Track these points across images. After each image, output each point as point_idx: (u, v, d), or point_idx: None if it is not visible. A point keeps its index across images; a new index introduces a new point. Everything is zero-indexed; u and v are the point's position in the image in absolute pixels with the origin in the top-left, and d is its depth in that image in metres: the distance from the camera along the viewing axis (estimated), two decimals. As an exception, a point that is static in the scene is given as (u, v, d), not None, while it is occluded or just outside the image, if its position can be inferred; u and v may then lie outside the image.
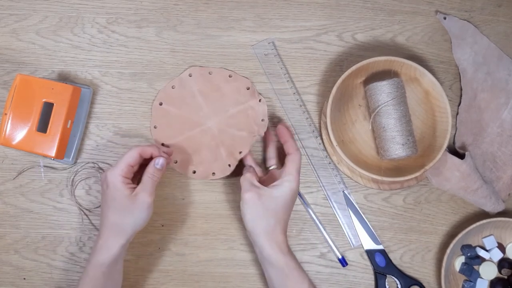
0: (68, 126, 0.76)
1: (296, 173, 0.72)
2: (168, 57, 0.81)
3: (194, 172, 0.77)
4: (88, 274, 0.68)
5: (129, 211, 0.68)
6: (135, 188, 0.69)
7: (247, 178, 0.72)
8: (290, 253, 0.71)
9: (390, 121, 0.74)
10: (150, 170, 0.70)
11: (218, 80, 0.80)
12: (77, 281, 0.78)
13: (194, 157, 0.78)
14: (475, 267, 0.78)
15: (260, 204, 0.69)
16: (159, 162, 0.71)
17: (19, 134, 0.74)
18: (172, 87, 0.80)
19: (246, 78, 0.80)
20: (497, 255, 0.78)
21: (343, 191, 0.80)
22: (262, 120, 0.78)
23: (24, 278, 0.78)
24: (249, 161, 0.77)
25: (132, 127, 0.80)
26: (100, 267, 0.68)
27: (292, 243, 0.79)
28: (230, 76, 0.80)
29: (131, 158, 0.69)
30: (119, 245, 0.68)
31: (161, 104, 0.80)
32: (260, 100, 0.79)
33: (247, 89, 0.79)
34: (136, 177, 0.72)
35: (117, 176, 0.68)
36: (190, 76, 0.80)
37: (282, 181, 0.71)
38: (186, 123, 0.79)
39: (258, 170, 0.77)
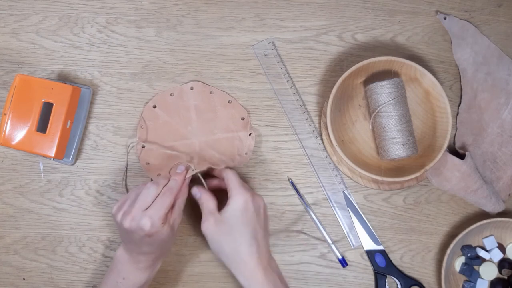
0: (68, 126, 0.76)
1: (238, 189, 0.69)
2: (168, 57, 0.81)
3: (159, 174, 0.78)
4: None
5: (172, 239, 0.70)
6: (168, 216, 0.68)
7: (204, 206, 0.70)
8: (273, 275, 0.67)
9: (390, 121, 0.74)
10: (185, 192, 0.71)
11: (216, 102, 0.80)
12: (76, 282, 0.78)
13: (167, 163, 0.78)
14: (475, 267, 0.78)
15: (217, 232, 0.67)
16: (199, 175, 0.73)
17: (19, 134, 0.73)
18: (171, 94, 0.80)
19: (245, 108, 0.80)
20: (497, 255, 0.78)
21: (343, 191, 0.80)
22: (246, 153, 0.78)
23: (24, 279, 0.78)
24: (197, 189, 0.73)
25: (131, 127, 0.80)
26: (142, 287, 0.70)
27: (292, 243, 0.79)
28: (229, 102, 0.80)
29: (168, 206, 0.67)
30: (161, 263, 0.72)
31: (154, 107, 0.80)
32: (250, 134, 0.79)
33: (242, 119, 0.79)
34: None
35: (158, 225, 0.65)
36: (191, 90, 0.80)
37: (229, 202, 0.68)
38: (172, 132, 0.79)
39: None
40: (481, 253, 0.78)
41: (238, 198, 0.68)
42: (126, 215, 0.66)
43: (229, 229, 0.67)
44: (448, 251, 0.75)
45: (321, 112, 0.81)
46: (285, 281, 0.70)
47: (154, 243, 0.67)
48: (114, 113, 0.81)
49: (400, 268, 0.79)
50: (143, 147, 0.79)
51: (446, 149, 0.74)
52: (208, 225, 0.68)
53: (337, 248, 0.79)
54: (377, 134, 0.77)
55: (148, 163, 0.78)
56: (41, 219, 0.79)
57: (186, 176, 0.71)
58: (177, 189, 0.69)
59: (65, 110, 0.74)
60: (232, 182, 0.70)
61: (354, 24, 0.82)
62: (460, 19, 0.82)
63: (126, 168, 0.79)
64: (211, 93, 0.80)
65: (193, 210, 0.79)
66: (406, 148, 0.74)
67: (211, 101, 0.80)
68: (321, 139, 0.81)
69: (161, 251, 0.70)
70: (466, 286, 0.78)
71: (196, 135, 0.79)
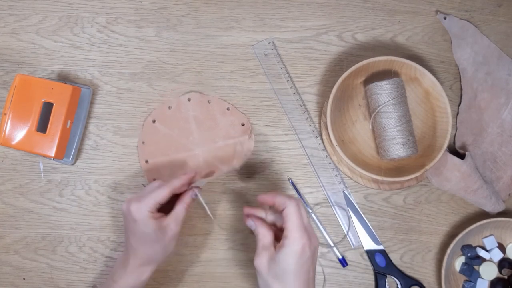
0: (68, 126, 0.76)
1: (296, 231, 0.62)
2: (168, 57, 0.81)
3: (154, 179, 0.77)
4: None
5: (160, 243, 0.67)
6: (162, 217, 0.68)
7: (259, 239, 0.65)
8: None
9: (390, 121, 0.74)
10: (186, 201, 0.69)
11: (215, 110, 0.80)
12: (76, 282, 0.78)
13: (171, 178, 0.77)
14: (475, 267, 0.78)
15: (269, 272, 0.63)
16: (197, 194, 0.71)
17: (19, 134, 0.73)
18: (169, 107, 0.80)
19: (244, 114, 0.80)
20: (497, 255, 0.78)
21: (343, 191, 0.80)
22: (244, 154, 0.78)
23: (24, 278, 0.78)
24: (257, 212, 0.68)
25: (131, 127, 0.80)
26: None
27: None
28: (227, 109, 0.80)
29: (159, 196, 0.67)
30: (150, 272, 0.69)
31: (154, 121, 0.80)
32: (249, 137, 0.78)
33: (242, 125, 0.79)
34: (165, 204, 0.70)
35: (144, 212, 0.66)
36: (189, 101, 0.80)
37: (284, 244, 0.62)
38: (173, 145, 0.79)
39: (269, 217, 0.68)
40: (481, 253, 0.78)
41: (296, 243, 0.62)
42: (125, 202, 0.68)
43: (281, 272, 0.62)
44: (448, 251, 0.75)
45: (321, 112, 0.81)
46: None
47: (138, 233, 0.66)
48: (114, 113, 0.81)
49: (400, 268, 0.79)
50: (146, 162, 0.79)
51: (446, 149, 0.74)
52: (261, 260, 0.63)
53: (337, 248, 0.79)
54: (377, 134, 0.77)
55: (155, 179, 0.78)
56: (41, 219, 0.79)
57: (192, 184, 0.71)
58: (176, 187, 0.68)
59: (65, 110, 0.74)
60: (292, 221, 0.63)
61: (354, 24, 0.82)
62: (460, 19, 0.82)
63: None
64: (208, 102, 0.80)
65: (192, 211, 0.79)
66: (406, 148, 0.74)
67: (209, 110, 0.80)
68: (321, 139, 0.81)
69: (145, 252, 0.67)
70: (466, 286, 0.78)
71: (198, 146, 0.79)
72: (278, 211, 0.66)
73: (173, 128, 0.79)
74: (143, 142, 0.79)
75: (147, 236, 0.67)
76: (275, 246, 0.64)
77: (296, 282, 0.62)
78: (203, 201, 0.72)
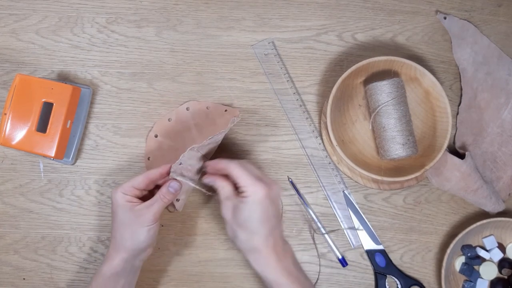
0: (68, 126, 0.76)
1: (251, 185, 0.65)
2: (168, 57, 0.81)
3: (178, 200, 0.76)
4: (91, 282, 0.69)
5: (129, 226, 0.68)
6: (137, 202, 0.68)
7: (219, 191, 0.68)
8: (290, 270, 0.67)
9: (390, 121, 0.74)
10: (163, 191, 0.69)
11: (214, 115, 0.79)
12: (76, 282, 0.78)
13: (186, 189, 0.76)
14: (475, 267, 0.78)
15: (234, 220, 0.67)
16: (173, 185, 0.69)
17: (19, 134, 0.73)
18: (169, 120, 0.80)
19: (235, 109, 0.79)
20: (497, 255, 0.78)
21: (343, 191, 0.80)
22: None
23: (24, 278, 0.78)
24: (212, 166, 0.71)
25: (131, 127, 0.80)
26: (102, 277, 0.68)
27: (292, 243, 0.79)
28: (225, 111, 0.80)
29: (136, 181, 0.68)
30: (119, 259, 0.68)
31: (156, 136, 0.79)
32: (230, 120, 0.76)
33: (234, 116, 0.78)
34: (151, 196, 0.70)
35: (118, 193, 0.68)
36: (188, 110, 0.80)
37: (242, 195, 0.66)
38: (179, 156, 0.78)
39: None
40: (481, 253, 0.78)
41: (253, 195, 0.65)
42: None
43: (246, 220, 0.66)
44: (448, 250, 0.75)
45: (321, 112, 0.81)
46: (298, 262, 0.69)
47: (113, 214, 0.68)
48: (114, 113, 0.81)
49: (400, 268, 0.79)
50: None
51: (446, 149, 0.74)
52: (226, 211, 0.67)
53: (337, 248, 0.79)
54: (377, 134, 0.77)
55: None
56: (41, 219, 0.79)
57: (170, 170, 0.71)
58: (154, 175, 0.69)
59: (65, 110, 0.74)
60: (240, 178, 0.66)
61: (354, 24, 0.82)
62: (460, 18, 0.82)
63: None
64: (207, 108, 0.80)
65: (192, 210, 0.79)
66: (406, 147, 0.74)
67: (209, 116, 0.80)
68: (321, 139, 0.81)
69: (116, 235, 0.68)
70: (466, 286, 0.78)
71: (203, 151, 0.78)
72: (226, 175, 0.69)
73: (176, 139, 0.79)
74: (148, 158, 0.79)
75: (118, 217, 0.68)
76: (236, 196, 0.67)
77: (260, 229, 0.66)
78: (190, 183, 0.71)
